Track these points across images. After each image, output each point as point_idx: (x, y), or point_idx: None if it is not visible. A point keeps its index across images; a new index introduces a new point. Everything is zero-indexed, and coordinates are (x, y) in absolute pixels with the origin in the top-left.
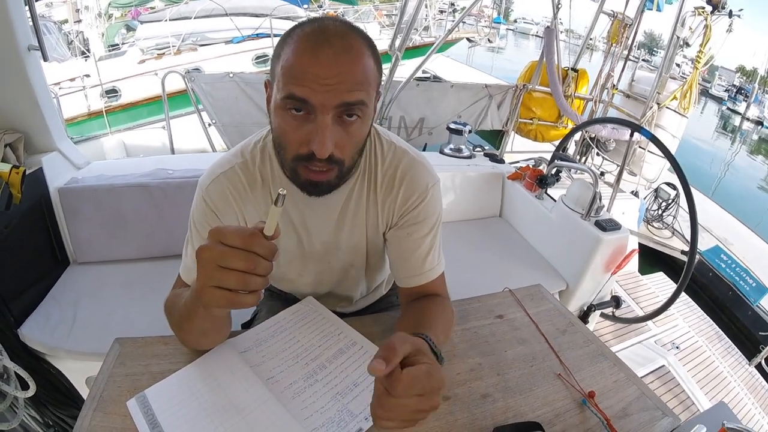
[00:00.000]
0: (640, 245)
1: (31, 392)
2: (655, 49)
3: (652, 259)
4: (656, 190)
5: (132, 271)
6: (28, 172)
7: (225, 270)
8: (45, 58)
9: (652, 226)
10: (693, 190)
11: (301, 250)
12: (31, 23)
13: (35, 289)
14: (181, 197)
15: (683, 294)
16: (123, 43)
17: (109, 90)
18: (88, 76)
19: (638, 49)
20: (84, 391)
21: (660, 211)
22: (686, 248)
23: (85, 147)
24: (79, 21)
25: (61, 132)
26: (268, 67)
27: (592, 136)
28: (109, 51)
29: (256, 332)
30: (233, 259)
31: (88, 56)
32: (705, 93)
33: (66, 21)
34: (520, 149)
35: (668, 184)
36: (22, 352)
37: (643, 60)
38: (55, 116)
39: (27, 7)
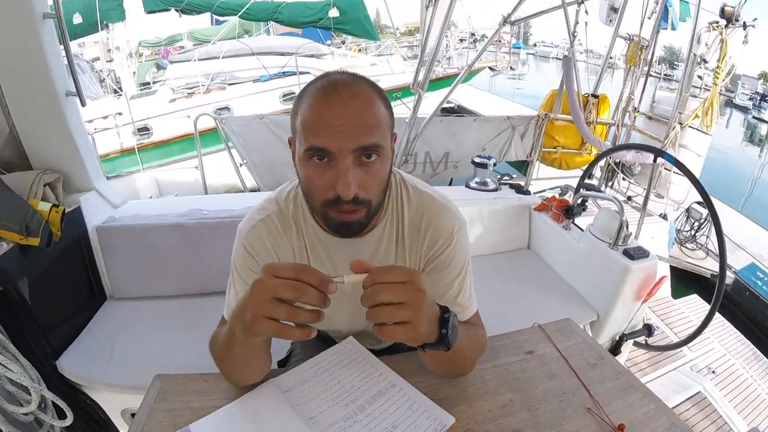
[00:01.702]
0: (673, 268)
1: (68, 422)
2: (675, 63)
3: (686, 281)
4: (687, 210)
5: (167, 308)
6: (67, 211)
7: (276, 301)
8: (82, 104)
9: (686, 247)
10: (723, 206)
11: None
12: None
13: (73, 323)
14: (216, 237)
15: (718, 315)
16: (154, 82)
17: (141, 128)
18: (120, 114)
19: (659, 64)
20: (119, 423)
21: (693, 232)
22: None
23: (117, 183)
24: (111, 60)
25: (98, 172)
26: None
27: (617, 161)
28: (141, 89)
29: (298, 372)
30: (284, 290)
31: (120, 94)
32: (730, 103)
33: (98, 59)
34: (547, 176)
35: (699, 203)
36: (60, 382)
37: (665, 76)
38: (92, 157)
39: (64, 53)
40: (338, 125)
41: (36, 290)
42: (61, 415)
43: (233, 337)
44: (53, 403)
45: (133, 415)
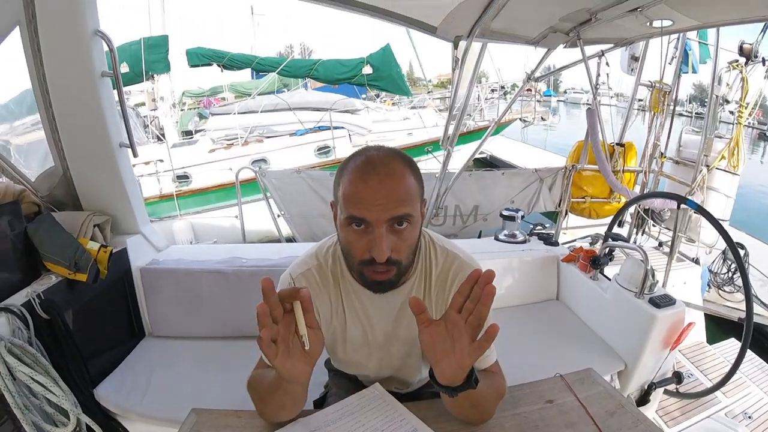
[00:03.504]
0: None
1: None
2: (706, 100)
3: (724, 326)
4: (724, 252)
5: (204, 348)
6: (114, 251)
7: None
8: (135, 155)
9: (723, 290)
10: (758, 243)
11: (365, 339)
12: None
13: (112, 355)
14: (254, 284)
15: (756, 358)
16: (196, 131)
17: (181, 175)
18: (161, 161)
19: (690, 103)
20: None
21: (730, 274)
22: (759, 309)
23: (155, 227)
24: (155, 108)
25: (145, 218)
26: (329, 158)
27: (646, 208)
28: (183, 138)
29: (326, 414)
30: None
31: (163, 141)
32: (763, 137)
33: (143, 104)
34: (579, 225)
35: (738, 244)
36: (96, 409)
37: (696, 114)
38: (140, 203)
39: (119, 108)
40: (374, 200)
41: (80, 322)
42: None
43: (277, 383)
44: (87, 428)
45: None
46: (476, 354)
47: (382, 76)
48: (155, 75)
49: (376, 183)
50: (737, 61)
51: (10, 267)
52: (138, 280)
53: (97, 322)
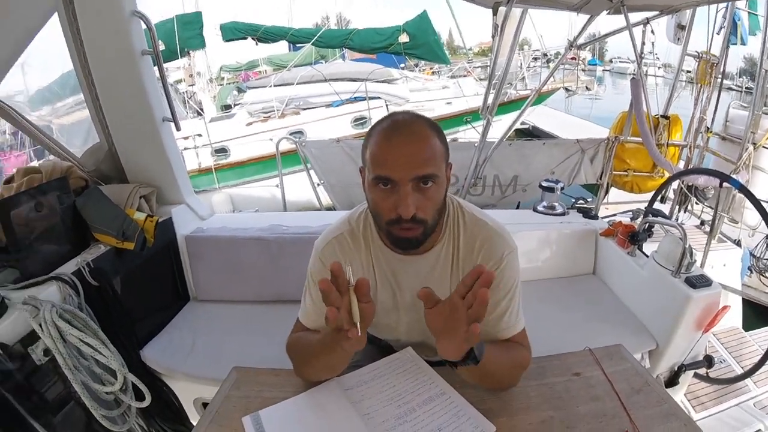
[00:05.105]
0: (747, 299)
1: (145, 404)
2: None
3: (763, 313)
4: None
5: (246, 312)
6: (159, 221)
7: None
8: (177, 129)
9: (765, 276)
10: None
11: (394, 303)
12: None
13: (158, 318)
14: (294, 250)
15: None
16: (235, 104)
17: (219, 149)
18: (200, 135)
19: (740, 77)
20: (191, 411)
21: None
22: None
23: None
24: (193, 84)
25: (188, 188)
26: (365, 129)
27: (690, 185)
28: (221, 112)
29: (359, 374)
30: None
31: (202, 116)
32: None
33: (181, 81)
34: (620, 200)
35: None
36: (142, 369)
37: (746, 89)
38: (183, 175)
39: (161, 84)
40: (399, 158)
41: (127, 288)
42: (139, 398)
43: (329, 349)
44: (133, 386)
45: (204, 404)
46: (470, 343)
47: (419, 44)
48: (191, 51)
49: (401, 143)
50: None
51: (60, 239)
52: (183, 248)
53: (143, 287)
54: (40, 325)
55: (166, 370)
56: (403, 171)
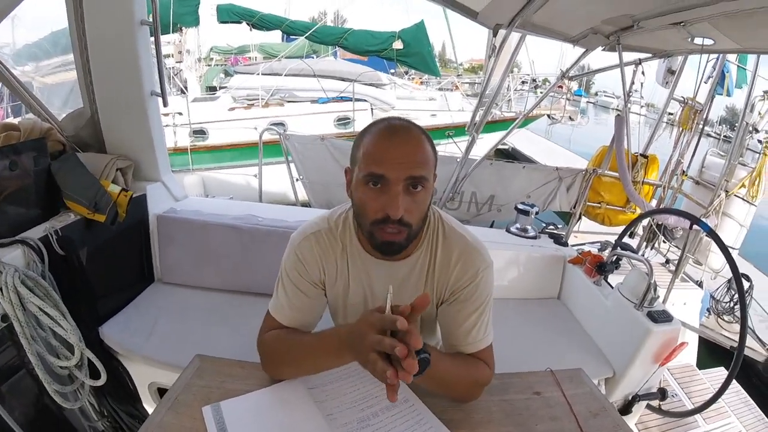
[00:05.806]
0: (703, 339)
1: (100, 382)
2: (736, 124)
3: (716, 353)
4: (729, 281)
5: (211, 299)
6: (133, 196)
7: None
8: (165, 105)
9: (723, 318)
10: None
11: (365, 306)
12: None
13: (120, 296)
14: (268, 243)
15: (742, 392)
16: (220, 87)
17: (198, 130)
18: (180, 113)
19: (719, 125)
20: (144, 395)
21: (731, 304)
22: (753, 343)
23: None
24: (180, 61)
25: (167, 167)
26: (347, 130)
27: (660, 223)
28: (206, 93)
29: (324, 374)
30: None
31: (185, 94)
32: None
33: (169, 56)
34: (589, 230)
35: (743, 275)
36: (98, 347)
37: (724, 137)
38: (163, 152)
39: (155, 58)
40: (395, 157)
41: (93, 261)
42: (94, 376)
43: (335, 351)
44: (89, 363)
45: (159, 389)
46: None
47: (412, 53)
48: (183, 28)
49: (399, 142)
50: None
51: (30, 202)
52: (154, 227)
53: (110, 262)
54: (1, 289)
55: (124, 350)
56: (398, 170)
